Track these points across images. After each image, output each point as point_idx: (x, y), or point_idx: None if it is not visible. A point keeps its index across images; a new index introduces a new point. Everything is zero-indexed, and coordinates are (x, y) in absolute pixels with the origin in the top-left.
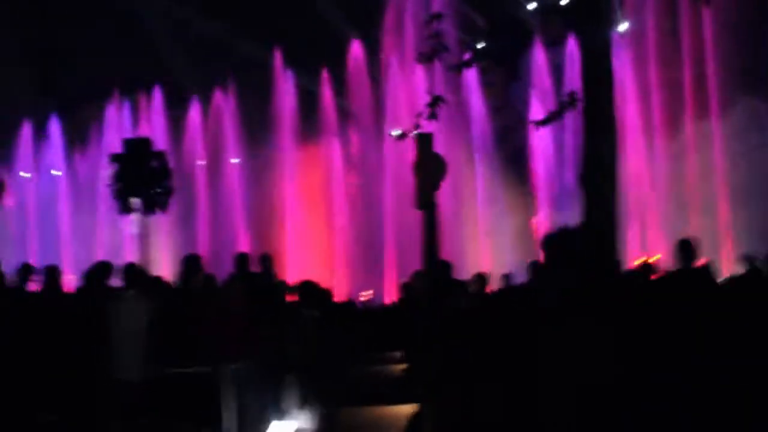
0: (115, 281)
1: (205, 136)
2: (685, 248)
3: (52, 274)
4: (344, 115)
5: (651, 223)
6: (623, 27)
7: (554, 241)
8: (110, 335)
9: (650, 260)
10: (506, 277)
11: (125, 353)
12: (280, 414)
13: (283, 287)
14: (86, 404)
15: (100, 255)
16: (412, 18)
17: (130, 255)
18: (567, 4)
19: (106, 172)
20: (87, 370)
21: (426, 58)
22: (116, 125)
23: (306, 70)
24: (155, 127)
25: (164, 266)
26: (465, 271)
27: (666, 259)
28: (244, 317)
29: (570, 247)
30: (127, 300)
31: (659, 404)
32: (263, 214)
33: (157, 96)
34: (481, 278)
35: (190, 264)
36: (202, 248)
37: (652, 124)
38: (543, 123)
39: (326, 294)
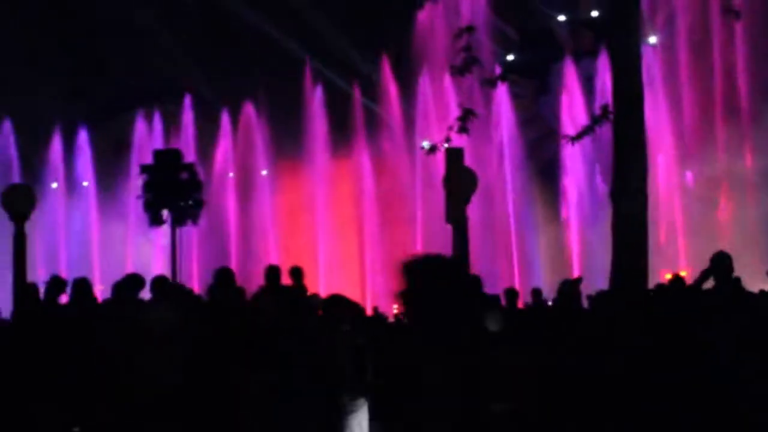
0: (145, 293)
1: (234, 147)
2: (723, 263)
3: (82, 286)
4: (375, 124)
5: (680, 236)
6: (653, 40)
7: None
8: (139, 348)
9: (681, 274)
10: (537, 292)
11: (154, 365)
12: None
13: (315, 301)
14: (115, 417)
15: (129, 266)
16: (444, 29)
17: (160, 266)
18: (597, 17)
19: (136, 182)
20: (115, 383)
21: (458, 71)
22: (146, 136)
23: (339, 73)
24: (185, 139)
25: (194, 278)
26: (495, 286)
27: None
28: (275, 331)
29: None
30: (157, 312)
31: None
32: (293, 227)
33: (188, 107)
34: (511, 294)
35: (222, 277)
36: (232, 260)
37: (683, 136)
38: (577, 138)
39: (357, 308)
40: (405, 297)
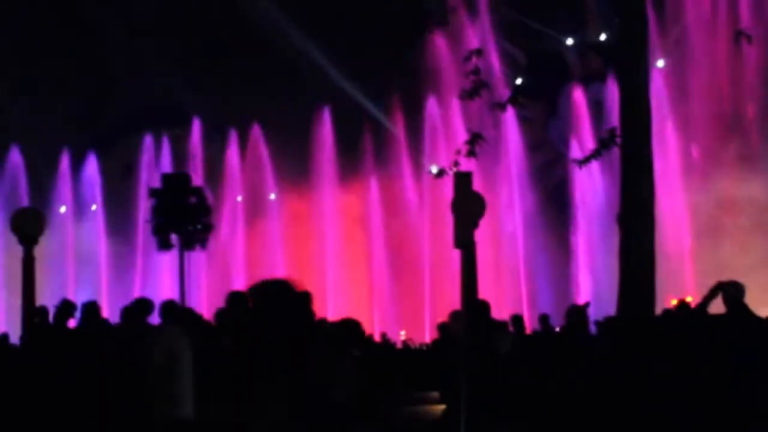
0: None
1: (242, 171)
2: (735, 292)
3: (92, 310)
4: (384, 147)
5: (687, 260)
6: (661, 63)
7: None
8: (149, 373)
9: (687, 300)
10: (544, 318)
11: (164, 391)
12: None
13: (323, 326)
14: None
15: (136, 290)
16: (452, 54)
17: (167, 290)
18: (606, 41)
19: (144, 206)
20: (125, 408)
21: (468, 94)
22: (154, 159)
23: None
24: (193, 162)
25: (201, 302)
26: (502, 311)
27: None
28: (282, 359)
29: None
30: (166, 337)
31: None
32: (301, 251)
33: (196, 130)
34: (518, 320)
35: (234, 301)
36: (240, 284)
37: (690, 160)
38: (584, 162)
39: (364, 334)
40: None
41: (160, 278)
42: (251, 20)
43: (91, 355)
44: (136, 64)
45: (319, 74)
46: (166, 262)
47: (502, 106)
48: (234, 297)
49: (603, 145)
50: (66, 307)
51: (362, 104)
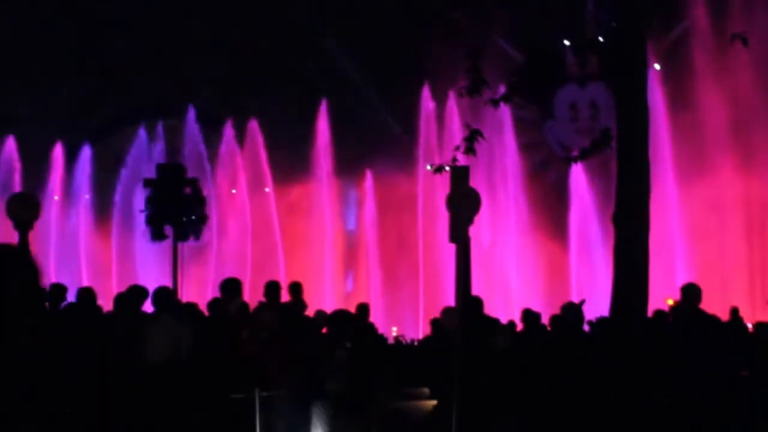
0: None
1: (238, 163)
2: (691, 294)
3: (87, 296)
4: (380, 144)
5: (678, 261)
6: (657, 66)
7: None
8: (143, 360)
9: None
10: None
11: (158, 377)
12: None
13: (320, 316)
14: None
15: (114, 279)
16: (449, 53)
17: (153, 280)
18: (604, 42)
19: (138, 197)
20: (120, 393)
21: (467, 92)
22: (148, 150)
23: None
24: (188, 153)
25: (191, 292)
26: (496, 310)
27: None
28: (275, 345)
29: None
30: (160, 324)
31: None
32: (295, 244)
33: (191, 121)
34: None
35: (230, 288)
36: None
37: (687, 163)
38: (576, 159)
39: (358, 325)
40: None
41: (137, 269)
42: (249, 13)
43: (91, 340)
44: (134, 57)
45: (317, 68)
46: (150, 252)
47: (495, 103)
48: (228, 284)
49: (595, 146)
50: (57, 291)
51: (360, 98)
